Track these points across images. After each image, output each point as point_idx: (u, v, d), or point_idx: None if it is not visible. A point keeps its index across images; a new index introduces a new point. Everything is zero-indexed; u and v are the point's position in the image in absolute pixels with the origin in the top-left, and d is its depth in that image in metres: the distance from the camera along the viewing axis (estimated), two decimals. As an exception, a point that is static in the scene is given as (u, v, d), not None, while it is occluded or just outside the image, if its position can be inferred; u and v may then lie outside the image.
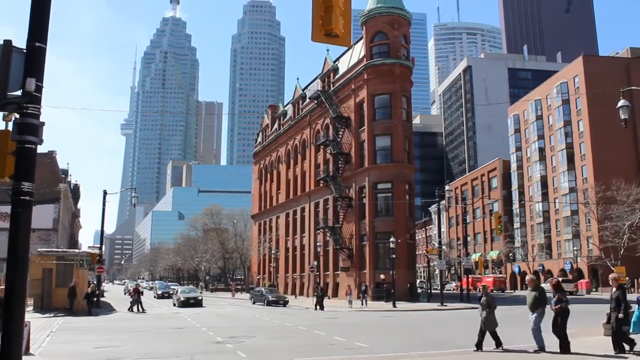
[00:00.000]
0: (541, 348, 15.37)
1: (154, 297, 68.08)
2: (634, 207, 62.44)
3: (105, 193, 47.55)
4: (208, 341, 21.15)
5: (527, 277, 16.11)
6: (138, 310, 40.47)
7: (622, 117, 21.25)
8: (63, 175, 67.30)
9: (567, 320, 15.04)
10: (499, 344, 16.56)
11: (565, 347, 15.01)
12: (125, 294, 68.98)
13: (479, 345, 16.47)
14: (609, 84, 67.04)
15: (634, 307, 15.98)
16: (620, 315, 14.27)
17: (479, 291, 74.07)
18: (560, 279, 16.31)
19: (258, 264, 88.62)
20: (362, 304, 44.75)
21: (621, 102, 21.19)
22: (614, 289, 14.89)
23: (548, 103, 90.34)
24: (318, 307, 42.23)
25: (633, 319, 14.26)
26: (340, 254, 60.14)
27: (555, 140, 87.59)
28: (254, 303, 51.70)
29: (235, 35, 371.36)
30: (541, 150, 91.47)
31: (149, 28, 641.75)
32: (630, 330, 14.37)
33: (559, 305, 14.95)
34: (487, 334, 16.40)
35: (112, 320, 33.17)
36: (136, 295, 42.18)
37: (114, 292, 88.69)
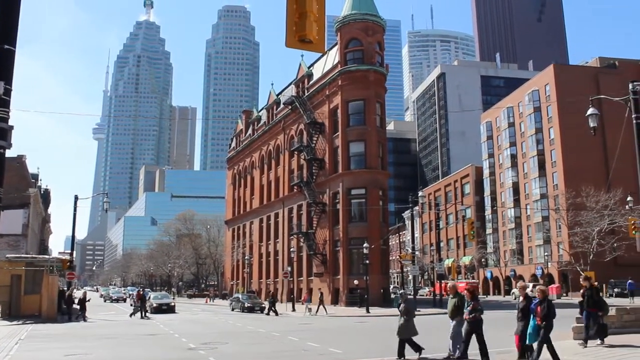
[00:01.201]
0: (462, 356, 14.97)
1: (104, 301, 67.54)
2: (602, 213, 63.43)
3: (76, 198, 46.86)
4: (180, 348, 20.94)
5: (448, 284, 15.72)
6: (142, 316, 40.21)
7: (592, 125, 21.61)
8: (33, 180, 66.24)
9: (482, 329, 14.70)
10: (402, 354, 16.25)
11: (484, 354, 14.58)
12: (105, 301, 67.93)
13: (400, 354, 16.20)
14: (579, 92, 68.09)
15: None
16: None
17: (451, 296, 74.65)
18: (474, 287, 15.58)
19: (232, 269, 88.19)
20: (311, 312, 43.57)
21: (590, 111, 21.55)
22: (521, 298, 14.61)
23: (520, 110, 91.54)
24: (272, 312, 42.97)
25: (529, 330, 13.74)
26: (314, 260, 60.11)
27: (526, 147, 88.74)
28: (232, 310, 51.05)
29: (210, 40, 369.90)
30: (513, 157, 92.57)
31: (122, 31, 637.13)
32: (527, 342, 13.87)
33: (473, 315, 14.60)
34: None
35: (83, 327, 32.66)
36: (139, 302, 41.88)
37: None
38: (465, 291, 15.18)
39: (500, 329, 26.58)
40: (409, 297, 17.71)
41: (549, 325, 13.53)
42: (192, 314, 46.38)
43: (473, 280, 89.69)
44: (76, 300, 42.36)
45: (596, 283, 59.77)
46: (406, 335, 16.31)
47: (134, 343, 23.37)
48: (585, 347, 16.32)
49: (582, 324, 18.99)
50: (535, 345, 13.70)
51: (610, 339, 18.01)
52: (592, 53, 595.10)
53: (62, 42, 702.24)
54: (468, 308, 14.78)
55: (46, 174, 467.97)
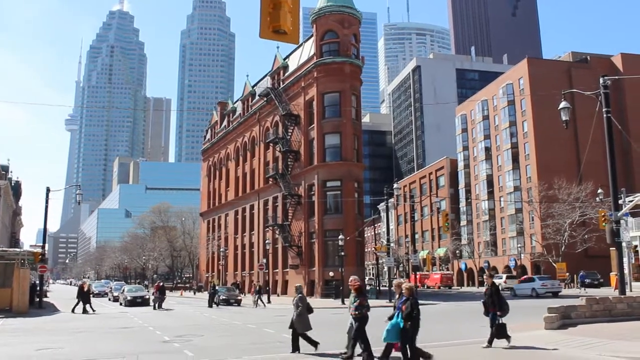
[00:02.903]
0: (350, 356, 14.44)
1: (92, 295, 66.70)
2: (574, 206, 64.38)
3: (48, 190, 46.23)
4: (155, 340, 20.82)
5: (351, 281, 14.56)
6: (159, 307, 41.53)
7: (564, 118, 21.93)
8: (3, 172, 65.24)
9: (365, 327, 14.17)
10: (296, 347, 16.12)
11: (368, 351, 14.03)
12: (92, 295, 66.88)
13: (294, 347, 16.12)
14: (552, 86, 69.03)
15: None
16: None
17: (427, 288, 75.35)
18: (359, 282, 14.81)
19: (207, 262, 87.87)
20: (257, 305, 43.57)
21: (562, 104, 21.86)
22: (397, 295, 13.81)
23: (494, 104, 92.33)
24: (214, 305, 43.89)
25: (387, 327, 13.16)
26: (289, 252, 60.14)
27: (500, 140, 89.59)
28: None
29: (185, 30, 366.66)
30: (487, 149, 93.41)
31: (95, 21, 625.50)
32: (383, 339, 13.30)
33: (358, 311, 14.14)
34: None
35: (55, 320, 32.27)
36: (158, 293, 42.60)
37: (59, 292, 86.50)
38: (352, 287, 14.60)
39: (472, 320, 26.91)
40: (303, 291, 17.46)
41: (413, 325, 12.89)
42: (167, 306, 46.10)
43: (448, 272, 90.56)
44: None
45: (567, 274, 60.55)
46: (300, 329, 16.09)
47: (108, 336, 23.17)
48: (489, 347, 15.88)
49: (554, 314, 19.32)
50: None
51: (580, 329, 18.34)
52: (564, 48, 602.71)
53: (33, 31, 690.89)
54: (354, 304, 14.25)
55: (17, 165, 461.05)
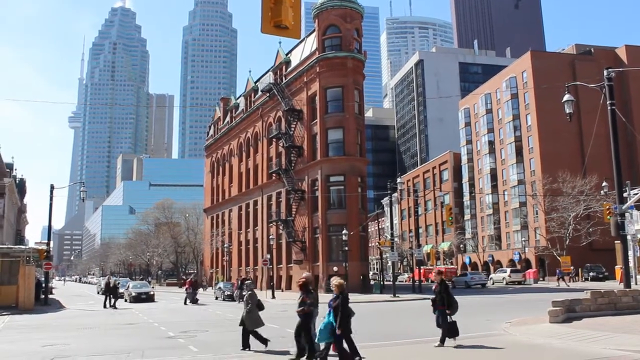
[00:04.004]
0: (301, 354, 14.06)
1: (98, 293, 66.81)
2: (578, 199, 64.28)
3: (52, 187, 46.31)
4: (160, 336, 20.85)
5: (333, 281, 13.39)
6: (192, 303, 42.14)
7: (567, 111, 21.83)
8: (8, 170, 65.41)
9: (310, 324, 13.82)
10: (246, 344, 16.06)
11: (305, 350, 13.78)
12: (98, 293, 66.98)
13: (245, 344, 15.91)
14: (556, 79, 68.86)
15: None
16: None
17: (431, 282, 75.22)
18: (304, 279, 14.16)
19: (211, 257, 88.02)
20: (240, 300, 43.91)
21: (566, 97, 21.75)
22: (334, 295, 12.97)
23: (497, 97, 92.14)
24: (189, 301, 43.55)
25: (320, 327, 12.74)
26: (293, 247, 60.17)
27: (504, 134, 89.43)
28: (216, 298, 50.69)
29: (187, 26, 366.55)
30: (491, 143, 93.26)
31: (97, 18, 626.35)
32: (317, 339, 13.01)
33: (302, 308, 13.80)
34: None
35: (60, 317, 32.37)
36: (191, 289, 43.07)
37: (64, 289, 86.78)
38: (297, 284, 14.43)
39: (483, 313, 26.89)
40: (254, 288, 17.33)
41: (344, 323, 12.37)
42: (172, 302, 46.20)
43: (452, 266, 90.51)
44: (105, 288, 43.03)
45: (572, 268, 60.64)
46: (250, 326, 16.02)
47: (113, 332, 23.23)
48: (442, 346, 15.40)
49: (559, 307, 19.26)
50: (322, 345, 12.94)
51: (585, 322, 18.29)
52: (568, 40, 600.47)
53: (35, 29, 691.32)
54: (299, 300, 13.99)
55: (21, 163, 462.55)
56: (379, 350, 15.51)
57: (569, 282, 58.34)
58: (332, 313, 12.56)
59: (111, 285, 41.38)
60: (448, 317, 15.45)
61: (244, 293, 43.61)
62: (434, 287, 16.17)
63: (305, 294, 13.96)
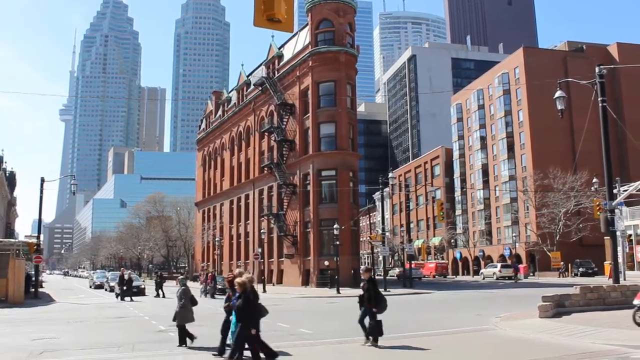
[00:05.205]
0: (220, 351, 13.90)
1: (90, 287, 66.59)
2: (569, 195, 64.60)
3: (42, 180, 46.04)
4: (150, 330, 20.83)
5: (236, 279, 12.95)
6: (210, 295, 42.89)
7: (559, 107, 21.90)
8: (-2, 162, 64.92)
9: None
10: (183, 341, 15.91)
11: (223, 350, 13.41)
12: (90, 287, 66.75)
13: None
14: (548, 75, 68.95)
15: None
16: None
17: (423, 277, 75.48)
18: (231, 275, 13.83)
19: (202, 251, 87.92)
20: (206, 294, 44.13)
21: (558, 94, 21.81)
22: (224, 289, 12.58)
23: (490, 93, 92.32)
24: (161, 292, 44.07)
25: (232, 329, 12.59)
26: (284, 241, 60.17)
27: (496, 129, 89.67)
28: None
29: (179, 19, 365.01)
30: (482, 139, 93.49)
31: (88, 10, 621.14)
32: (231, 340, 12.65)
33: (227, 304, 13.67)
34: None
35: (50, 311, 32.25)
36: (213, 283, 43.95)
37: (54, 283, 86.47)
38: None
39: (474, 308, 27.01)
40: (188, 284, 17.20)
41: (245, 323, 12.01)
42: (168, 296, 46.08)
43: (443, 261, 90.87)
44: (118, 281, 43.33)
45: (562, 263, 60.77)
46: (180, 320, 15.97)
47: (104, 326, 23.19)
48: (368, 345, 14.99)
49: (548, 303, 19.36)
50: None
51: (574, 317, 18.40)
52: (560, 37, 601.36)
53: (26, 21, 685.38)
54: (225, 297, 13.85)
55: (11, 156, 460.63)
56: (310, 350, 15.40)
57: (559, 277, 58.67)
58: (235, 312, 12.32)
59: (126, 278, 42.11)
60: (375, 315, 15.00)
61: (203, 289, 44.61)
62: (362, 285, 15.66)
63: (231, 290, 13.92)
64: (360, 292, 15.48)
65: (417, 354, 14.27)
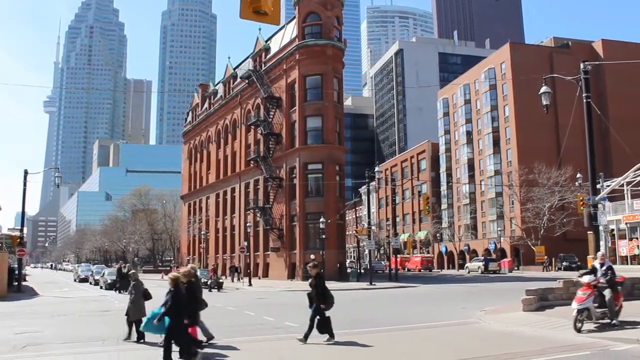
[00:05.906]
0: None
1: (75, 280, 66.09)
2: (553, 190, 65.08)
3: (26, 173, 45.59)
4: (134, 323, 20.68)
5: (170, 275, 12.63)
6: (215, 289, 42.52)
7: (544, 103, 22.00)
8: (-19, 154, 64.07)
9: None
10: (130, 336, 15.84)
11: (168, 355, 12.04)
12: (75, 280, 66.13)
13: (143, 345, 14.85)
14: (534, 71, 69.35)
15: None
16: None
17: (408, 270, 75.89)
18: (176, 273, 13.14)
19: (188, 244, 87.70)
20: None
21: (543, 89, 21.91)
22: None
23: (476, 88, 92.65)
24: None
25: (148, 316, 12.56)
26: (270, 235, 60.18)
27: (482, 124, 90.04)
28: None
29: (166, 11, 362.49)
30: (469, 133, 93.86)
31: (73, 1, 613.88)
32: (141, 327, 12.76)
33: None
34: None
35: (34, 304, 32.02)
36: (215, 277, 43.89)
37: (38, 276, 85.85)
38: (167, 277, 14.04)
39: (459, 302, 27.16)
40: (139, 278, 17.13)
41: (177, 319, 11.76)
42: (148, 289, 45.95)
43: (428, 255, 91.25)
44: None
45: (545, 257, 61.10)
46: (133, 316, 15.94)
47: (88, 320, 23.08)
48: (305, 342, 14.47)
49: (532, 296, 19.52)
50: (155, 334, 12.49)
51: (557, 310, 18.57)
52: (547, 33, 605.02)
53: (9, 11, 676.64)
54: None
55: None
56: (256, 345, 15.34)
57: (543, 271, 59.15)
58: (163, 306, 12.08)
59: (123, 271, 41.36)
60: (323, 312, 14.69)
61: (220, 281, 44.29)
62: (310, 281, 15.25)
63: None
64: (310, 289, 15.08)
65: (400, 347, 14.35)
